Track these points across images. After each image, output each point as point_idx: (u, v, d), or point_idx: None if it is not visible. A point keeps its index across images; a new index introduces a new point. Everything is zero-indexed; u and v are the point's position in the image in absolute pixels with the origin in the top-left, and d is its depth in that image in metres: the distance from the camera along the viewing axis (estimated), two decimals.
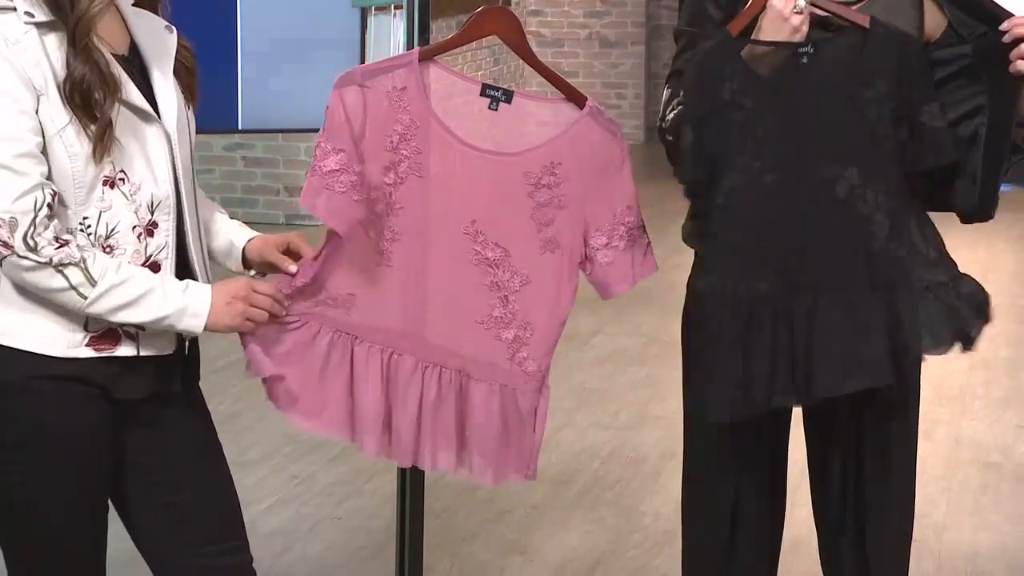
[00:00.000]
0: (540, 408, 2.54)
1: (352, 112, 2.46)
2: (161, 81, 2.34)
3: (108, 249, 2.24)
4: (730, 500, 2.68)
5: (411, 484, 3.03)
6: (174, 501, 2.41)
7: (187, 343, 2.40)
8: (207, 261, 2.44)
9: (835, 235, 2.45)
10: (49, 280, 2.18)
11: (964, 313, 2.53)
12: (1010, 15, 2.45)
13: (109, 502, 2.40)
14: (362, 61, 3.93)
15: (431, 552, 3.53)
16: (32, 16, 2.18)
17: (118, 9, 2.34)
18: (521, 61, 2.59)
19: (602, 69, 11.04)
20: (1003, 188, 2.55)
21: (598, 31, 11.03)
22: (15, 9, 2.18)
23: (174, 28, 2.39)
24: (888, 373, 2.46)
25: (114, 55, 2.27)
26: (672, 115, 2.53)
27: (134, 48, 2.34)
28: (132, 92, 2.26)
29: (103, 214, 2.23)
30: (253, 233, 2.55)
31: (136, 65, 2.33)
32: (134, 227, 2.26)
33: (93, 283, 2.19)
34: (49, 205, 2.16)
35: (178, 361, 2.38)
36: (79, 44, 2.18)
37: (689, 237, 2.67)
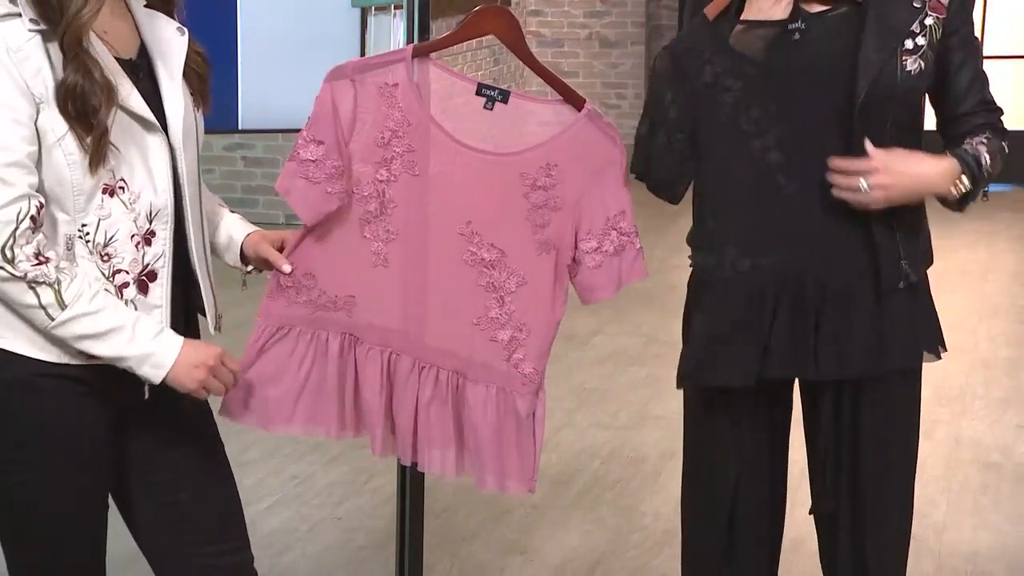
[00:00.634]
0: (538, 413, 2.54)
1: (340, 105, 2.46)
2: (169, 84, 2.32)
3: (106, 257, 2.23)
4: (730, 500, 2.68)
5: (411, 484, 3.03)
6: (174, 501, 2.42)
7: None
8: (211, 269, 2.43)
9: (838, 213, 2.46)
10: (21, 294, 2.16)
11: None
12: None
13: (110, 501, 2.40)
14: None
15: (431, 552, 3.53)
16: (37, 23, 2.15)
17: (129, 11, 2.33)
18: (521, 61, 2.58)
19: (602, 69, 11.03)
20: (1003, 188, 2.55)
21: (598, 31, 11.02)
22: (20, 15, 2.15)
23: (186, 31, 2.37)
24: (915, 356, 2.55)
25: (121, 59, 2.26)
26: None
27: (143, 51, 2.33)
28: (134, 98, 2.24)
29: (102, 222, 2.22)
30: (252, 228, 2.55)
31: (144, 68, 2.31)
32: (132, 236, 2.24)
33: (63, 307, 2.16)
34: (33, 218, 2.13)
35: None
36: (69, 52, 2.15)
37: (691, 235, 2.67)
